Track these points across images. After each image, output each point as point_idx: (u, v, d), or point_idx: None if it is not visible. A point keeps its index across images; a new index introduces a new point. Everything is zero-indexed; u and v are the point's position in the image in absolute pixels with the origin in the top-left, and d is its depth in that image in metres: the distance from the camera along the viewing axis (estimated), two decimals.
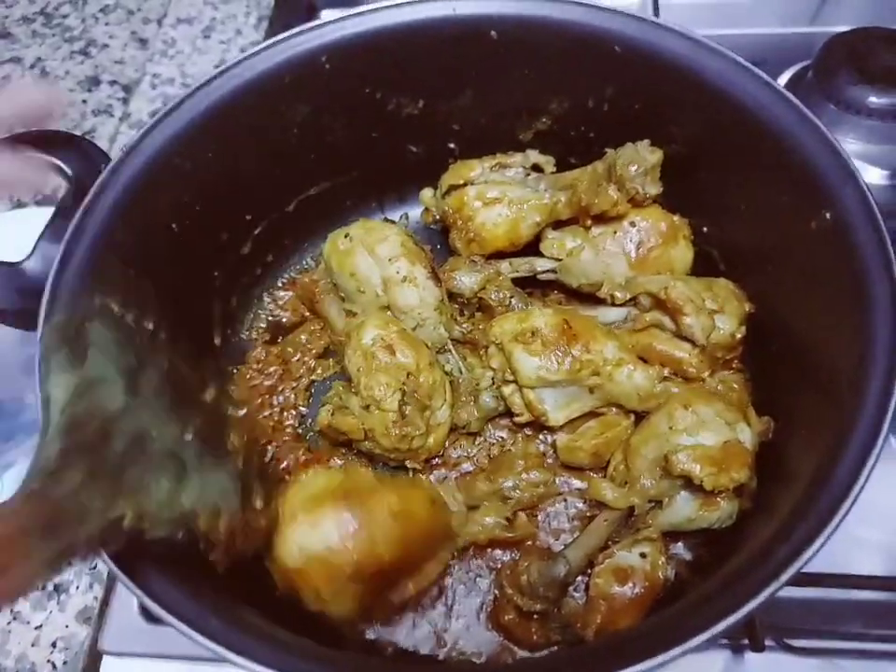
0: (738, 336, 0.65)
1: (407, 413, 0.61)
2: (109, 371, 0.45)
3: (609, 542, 0.60)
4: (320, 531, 0.53)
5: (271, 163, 0.68)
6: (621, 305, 0.68)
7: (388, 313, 0.68)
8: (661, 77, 0.62)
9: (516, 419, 0.66)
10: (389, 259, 0.67)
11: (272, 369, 0.72)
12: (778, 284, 0.63)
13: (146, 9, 1.15)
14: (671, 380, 0.64)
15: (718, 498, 0.57)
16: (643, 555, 0.58)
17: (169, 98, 1.03)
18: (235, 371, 0.72)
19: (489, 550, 0.62)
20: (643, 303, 0.67)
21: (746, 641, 0.58)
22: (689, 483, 0.57)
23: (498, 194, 0.69)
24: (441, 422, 0.64)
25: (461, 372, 0.67)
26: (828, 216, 0.54)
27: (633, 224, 0.69)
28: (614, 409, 0.65)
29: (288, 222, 0.73)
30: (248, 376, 0.72)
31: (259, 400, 0.71)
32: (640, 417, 0.64)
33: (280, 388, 0.71)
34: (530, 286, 0.74)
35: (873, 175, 0.82)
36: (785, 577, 0.41)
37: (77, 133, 0.98)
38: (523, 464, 0.64)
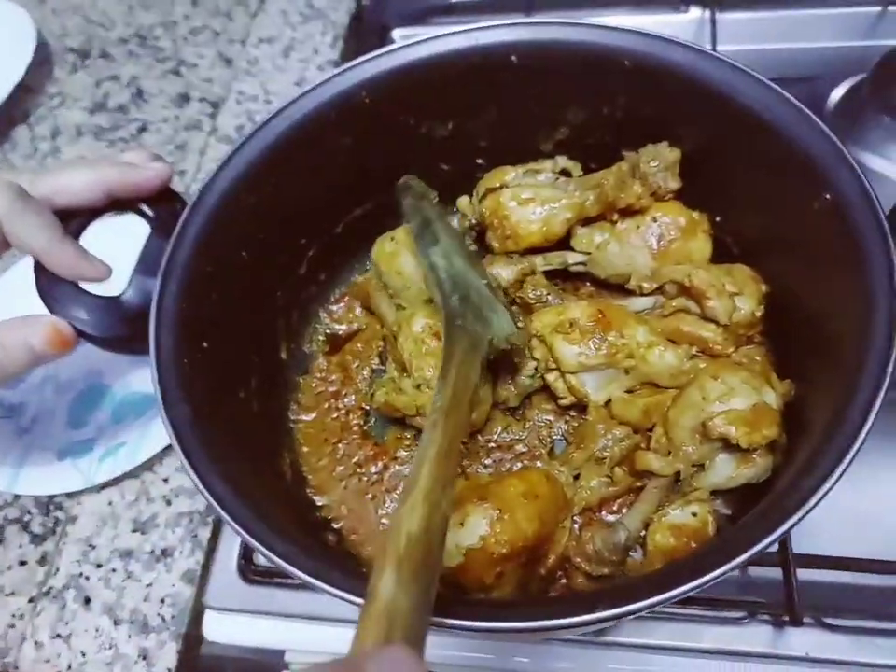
0: (758, 315, 0.70)
1: None
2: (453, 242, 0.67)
3: (660, 506, 0.64)
4: (469, 526, 0.58)
5: (320, 191, 0.74)
6: (648, 294, 0.74)
7: (432, 304, 0.72)
8: (668, 85, 0.67)
9: (561, 402, 0.71)
10: None
11: (333, 377, 0.78)
12: (789, 262, 0.68)
13: (230, 31, 1.25)
14: (698, 357, 0.70)
15: (754, 455, 0.62)
16: (694, 514, 0.62)
17: (253, 113, 1.11)
18: (301, 380, 0.78)
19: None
20: (669, 291, 0.72)
21: (786, 618, 0.63)
22: (726, 444, 0.62)
23: (532, 195, 0.75)
24: (482, 400, 0.70)
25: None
26: (827, 196, 0.59)
27: (655, 219, 0.74)
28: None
29: (337, 242, 0.80)
30: (313, 385, 0.78)
31: (326, 405, 0.76)
32: None
33: (343, 393, 0.77)
34: (563, 279, 0.79)
35: None
36: (816, 497, 0.46)
37: (170, 146, 1.09)
38: (603, 427, 0.68)
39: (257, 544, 0.48)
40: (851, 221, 0.56)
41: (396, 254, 0.75)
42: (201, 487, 0.50)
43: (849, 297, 0.56)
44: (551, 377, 0.71)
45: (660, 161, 0.70)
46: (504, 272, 0.75)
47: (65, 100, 1.20)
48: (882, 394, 0.49)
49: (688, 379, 0.67)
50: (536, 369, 0.71)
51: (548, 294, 0.74)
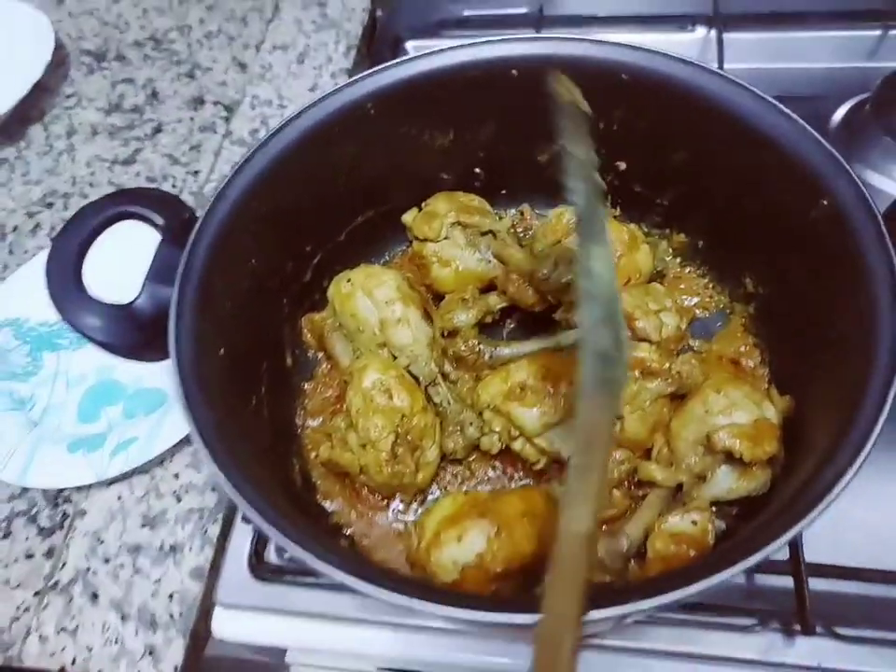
0: (683, 327, 0.73)
1: (399, 453, 0.67)
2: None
3: (660, 515, 0.65)
4: (467, 542, 0.59)
5: (325, 199, 0.75)
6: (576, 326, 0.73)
7: (385, 350, 0.74)
8: (664, 98, 0.68)
9: (535, 468, 0.70)
10: (386, 302, 0.74)
11: (336, 381, 0.79)
12: (789, 270, 0.69)
13: (245, 36, 1.27)
14: (641, 380, 0.70)
15: (753, 469, 0.63)
16: (694, 522, 0.63)
17: (267, 118, 1.13)
18: (307, 386, 0.79)
19: None
20: None
21: (798, 627, 0.63)
22: (728, 457, 0.63)
23: (450, 257, 0.78)
24: (430, 461, 0.69)
25: (450, 404, 0.73)
26: (825, 202, 0.60)
27: None
28: None
29: (340, 250, 0.81)
30: (318, 390, 0.79)
31: (331, 409, 0.77)
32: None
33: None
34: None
35: None
36: (824, 504, 0.46)
37: (185, 146, 1.11)
38: None
39: (293, 545, 0.48)
40: (850, 225, 0.58)
41: (350, 296, 0.75)
42: (230, 489, 0.51)
43: (850, 302, 0.56)
44: (517, 445, 0.69)
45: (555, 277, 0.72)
46: (463, 316, 0.75)
47: (81, 100, 1.22)
48: (887, 407, 0.49)
49: (641, 402, 0.68)
50: (500, 441, 0.70)
51: (479, 344, 0.74)
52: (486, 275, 0.79)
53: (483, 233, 0.79)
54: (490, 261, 0.79)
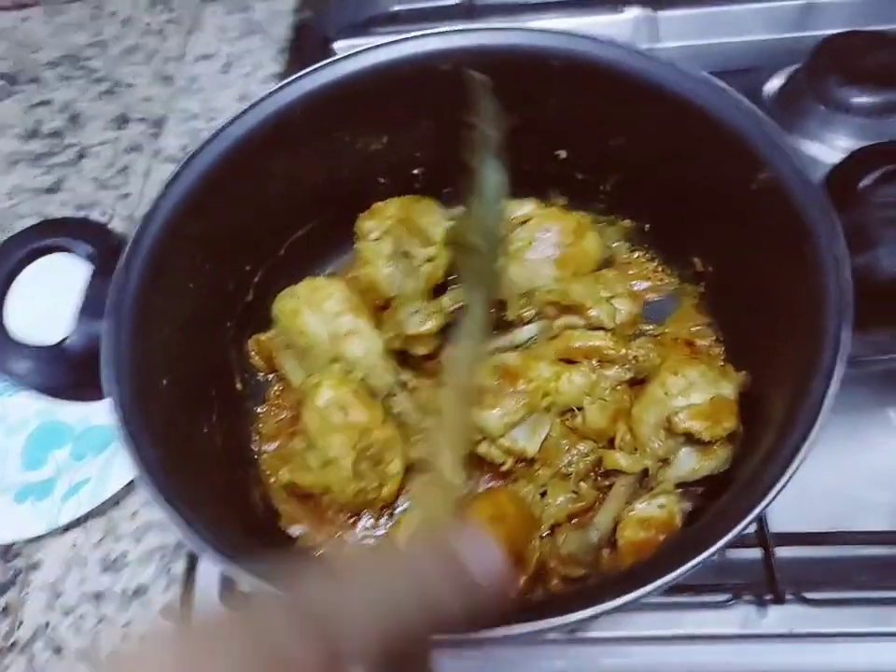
0: (636, 312, 0.73)
1: (361, 469, 0.65)
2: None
3: (628, 503, 0.65)
4: None
5: (261, 214, 0.73)
6: (530, 322, 0.74)
7: (338, 364, 0.71)
8: (596, 81, 0.67)
9: (502, 469, 0.68)
10: (334, 315, 0.71)
11: (290, 403, 0.76)
12: (733, 245, 0.69)
13: (165, 49, 1.21)
14: (599, 369, 0.70)
15: (714, 447, 0.64)
16: (661, 506, 0.63)
17: (197, 132, 1.08)
18: (260, 410, 0.77)
19: None
20: (549, 313, 0.74)
21: (769, 596, 0.64)
22: (689, 438, 0.64)
23: (370, 259, 0.77)
24: (394, 473, 0.68)
25: (410, 413, 0.71)
26: (763, 176, 0.60)
27: (547, 230, 0.75)
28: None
29: (282, 266, 0.78)
30: (272, 413, 0.77)
31: (288, 431, 0.75)
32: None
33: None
34: None
35: None
36: (787, 476, 0.47)
37: (112, 170, 1.05)
38: (567, 442, 0.69)
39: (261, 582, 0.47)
40: (790, 194, 0.58)
41: (297, 311, 0.72)
42: (187, 534, 0.49)
43: (795, 271, 0.56)
44: (482, 448, 0.68)
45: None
46: (428, 324, 0.73)
47: None
48: (837, 375, 0.50)
49: (601, 392, 0.68)
50: None
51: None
52: (386, 293, 0.77)
53: (403, 253, 0.76)
54: (395, 284, 0.77)
